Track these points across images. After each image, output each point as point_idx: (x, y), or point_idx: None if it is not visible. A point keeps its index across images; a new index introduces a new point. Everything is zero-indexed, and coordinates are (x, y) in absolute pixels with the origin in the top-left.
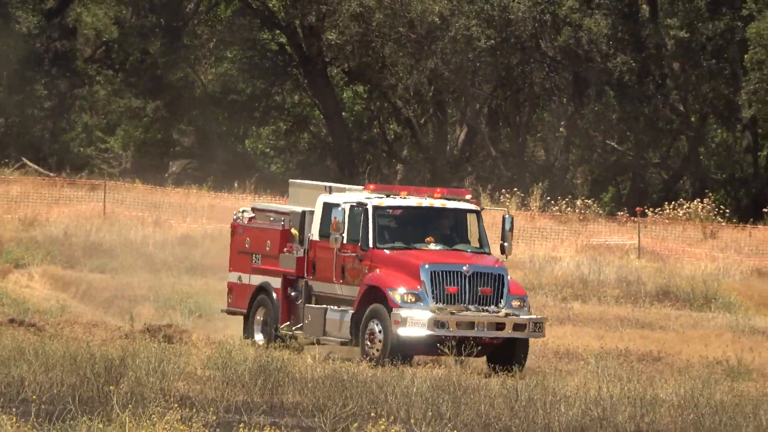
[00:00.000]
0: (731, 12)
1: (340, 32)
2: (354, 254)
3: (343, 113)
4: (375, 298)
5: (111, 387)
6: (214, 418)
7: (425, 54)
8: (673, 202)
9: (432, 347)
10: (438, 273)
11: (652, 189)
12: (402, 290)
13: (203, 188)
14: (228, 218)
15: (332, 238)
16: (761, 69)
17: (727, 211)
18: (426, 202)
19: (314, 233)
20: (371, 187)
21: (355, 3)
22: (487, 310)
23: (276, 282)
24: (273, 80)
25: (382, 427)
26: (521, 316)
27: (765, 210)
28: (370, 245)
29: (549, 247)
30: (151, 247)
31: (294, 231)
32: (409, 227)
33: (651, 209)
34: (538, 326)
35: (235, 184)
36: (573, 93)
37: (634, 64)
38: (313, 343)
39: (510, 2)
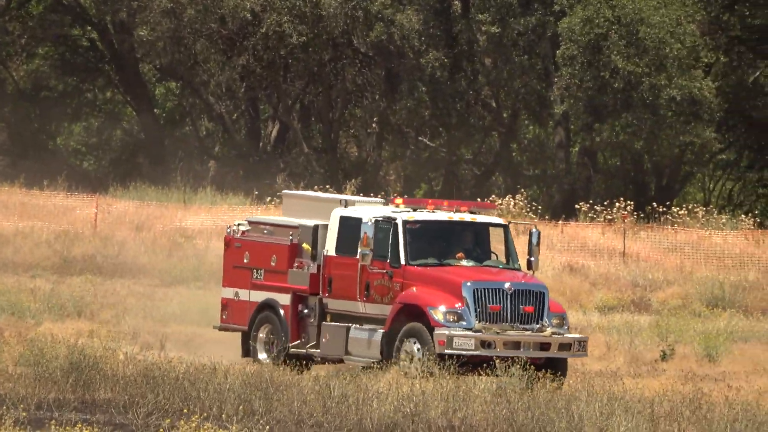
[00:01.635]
0: (543, 7)
1: (151, 28)
2: (383, 271)
3: (155, 110)
4: (411, 316)
5: None
6: (25, 414)
7: (237, 50)
8: (485, 198)
9: (473, 366)
10: (481, 291)
11: (464, 185)
12: (443, 308)
13: (15, 185)
14: (41, 215)
15: (361, 254)
16: (572, 65)
17: (540, 207)
18: (456, 216)
19: (329, 248)
20: (398, 201)
21: None
22: (529, 329)
23: (283, 299)
24: (85, 77)
25: (194, 423)
26: (565, 336)
27: (577, 206)
28: (402, 262)
29: None
30: None
31: (306, 246)
32: (438, 243)
33: None
34: (582, 345)
35: (45, 182)
36: (385, 89)
37: (446, 60)
38: (325, 362)
39: None
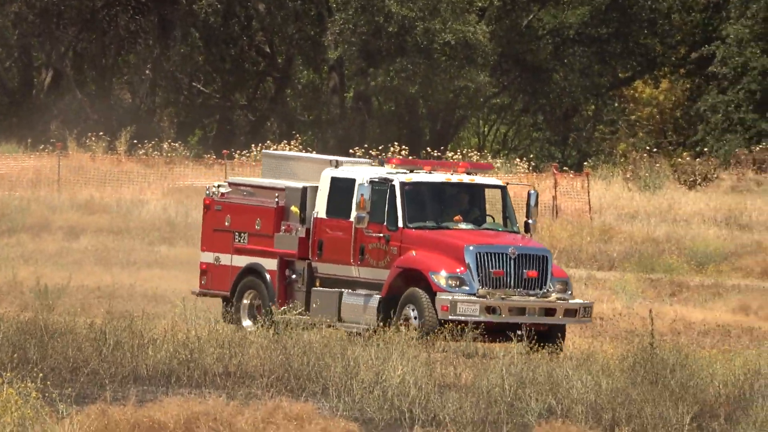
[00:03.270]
0: None
1: None
2: (380, 234)
3: None
4: (411, 281)
5: None
6: None
7: None
8: (260, 144)
9: (485, 333)
10: (483, 255)
11: (239, 131)
12: (445, 273)
13: None
14: None
15: (357, 217)
16: (346, 9)
17: (315, 152)
18: (455, 177)
19: (320, 211)
20: (394, 161)
21: None
22: (533, 295)
23: (270, 263)
24: None
25: None
26: (570, 301)
27: (351, 151)
28: (400, 224)
29: (136, 190)
30: None
31: (294, 209)
32: (436, 205)
33: (238, 151)
34: (587, 311)
35: None
36: (158, 35)
37: (219, 6)
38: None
39: None
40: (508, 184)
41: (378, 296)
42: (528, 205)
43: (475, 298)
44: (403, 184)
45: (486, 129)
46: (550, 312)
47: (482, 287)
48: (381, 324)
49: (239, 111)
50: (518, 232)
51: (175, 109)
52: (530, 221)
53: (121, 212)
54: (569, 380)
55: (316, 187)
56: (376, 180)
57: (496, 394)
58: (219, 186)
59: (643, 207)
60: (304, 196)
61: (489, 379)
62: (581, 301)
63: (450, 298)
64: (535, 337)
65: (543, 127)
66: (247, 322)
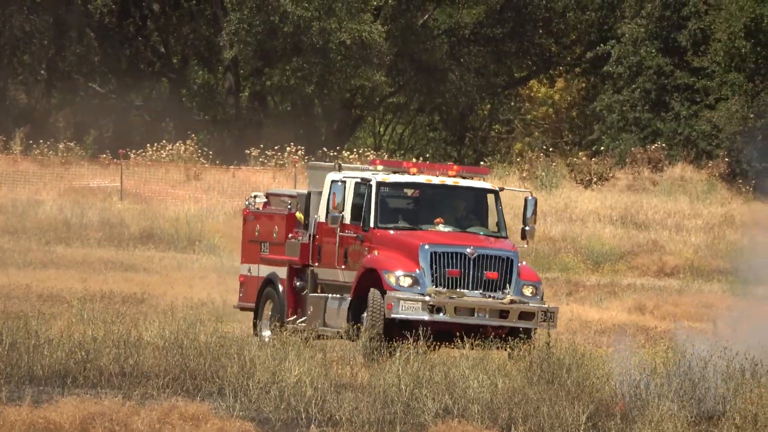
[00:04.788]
0: None
1: None
2: (355, 235)
3: None
4: (371, 281)
5: None
6: None
7: None
8: (156, 144)
9: (431, 335)
10: (439, 255)
11: (135, 131)
12: (399, 273)
13: None
14: None
15: (331, 217)
16: (241, 9)
17: (211, 152)
18: (437, 179)
19: (321, 215)
20: (378, 162)
21: None
22: (492, 297)
23: (282, 272)
24: None
25: None
26: (530, 304)
27: (247, 151)
28: (371, 225)
29: (32, 190)
30: None
31: (299, 215)
32: (418, 207)
33: (134, 151)
34: (550, 315)
35: None
36: (54, 35)
37: (114, 6)
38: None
39: None
40: (503, 189)
41: (350, 299)
42: (525, 211)
43: (418, 296)
44: (379, 185)
45: (382, 129)
46: (504, 314)
47: (437, 287)
48: (352, 326)
49: (135, 111)
50: (505, 238)
51: (71, 109)
52: (527, 228)
53: (17, 212)
54: (465, 380)
55: (320, 193)
56: (359, 180)
57: (393, 394)
58: (255, 196)
59: (539, 206)
60: (308, 202)
61: (385, 379)
62: (541, 305)
63: (394, 296)
64: (494, 339)
65: (439, 126)
66: (267, 333)
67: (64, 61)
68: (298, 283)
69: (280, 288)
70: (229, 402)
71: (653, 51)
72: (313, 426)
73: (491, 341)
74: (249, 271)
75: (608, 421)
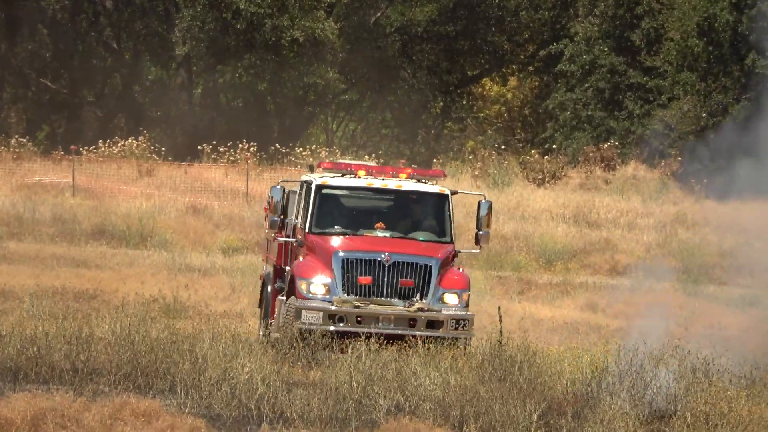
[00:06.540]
0: None
1: None
2: (294, 240)
3: None
4: (293, 287)
5: None
6: None
7: None
8: (108, 140)
9: (341, 343)
10: (351, 261)
11: (87, 127)
12: (312, 280)
13: None
14: None
15: (270, 221)
16: (194, 6)
17: (163, 148)
18: (378, 183)
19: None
20: (324, 164)
21: None
22: (407, 305)
23: (270, 272)
24: None
25: None
26: (443, 312)
27: (200, 148)
28: (307, 229)
29: None
30: None
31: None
32: (360, 211)
33: (86, 147)
34: (463, 324)
35: None
36: (6, 31)
37: (67, 2)
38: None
39: None
40: (456, 192)
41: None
42: (478, 214)
43: (320, 306)
44: (318, 187)
45: (335, 125)
46: (412, 323)
47: (348, 295)
48: (266, 333)
49: (87, 107)
50: (448, 243)
51: (23, 104)
52: (481, 232)
53: None
54: (417, 377)
55: (295, 192)
56: (303, 183)
57: (345, 391)
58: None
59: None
60: (285, 201)
61: (337, 376)
62: (457, 313)
63: (296, 304)
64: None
65: (391, 124)
66: (261, 332)
67: (17, 56)
68: (278, 284)
69: (269, 288)
70: (180, 399)
71: (606, 50)
72: (264, 424)
73: (413, 347)
74: (264, 269)
75: (560, 419)
